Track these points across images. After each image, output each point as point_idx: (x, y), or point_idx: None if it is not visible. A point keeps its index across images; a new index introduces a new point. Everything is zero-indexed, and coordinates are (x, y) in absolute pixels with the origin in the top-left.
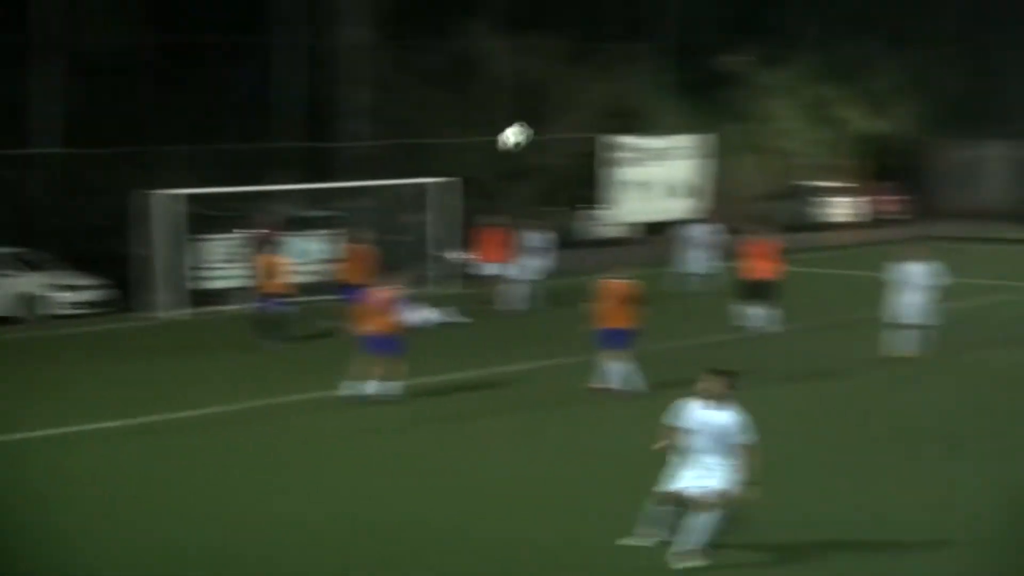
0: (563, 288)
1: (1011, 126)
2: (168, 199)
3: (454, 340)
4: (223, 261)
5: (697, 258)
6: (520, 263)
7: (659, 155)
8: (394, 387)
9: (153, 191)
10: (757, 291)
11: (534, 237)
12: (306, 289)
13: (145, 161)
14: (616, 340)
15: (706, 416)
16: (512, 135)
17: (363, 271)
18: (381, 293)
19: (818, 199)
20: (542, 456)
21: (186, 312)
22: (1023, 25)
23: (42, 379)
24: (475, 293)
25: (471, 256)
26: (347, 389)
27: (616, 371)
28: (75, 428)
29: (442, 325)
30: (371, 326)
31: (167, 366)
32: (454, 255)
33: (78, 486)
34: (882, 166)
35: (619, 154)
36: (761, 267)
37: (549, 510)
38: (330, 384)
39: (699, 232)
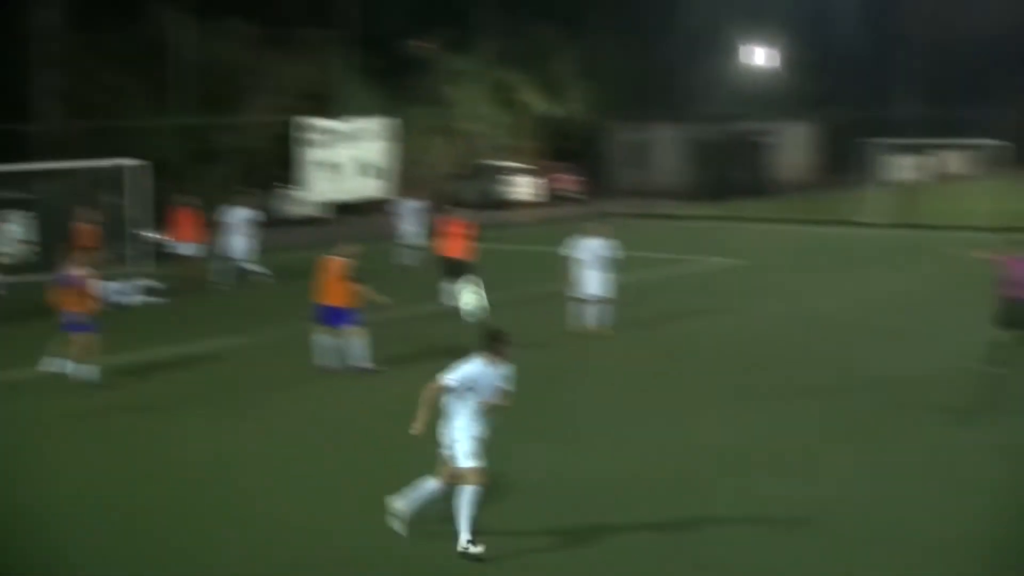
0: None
1: (678, 110)
2: None
3: (156, 319)
4: None
5: (408, 233)
6: (222, 242)
7: (348, 137)
8: (90, 368)
9: None
10: (452, 269)
11: (238, 214)
12: (6, 270)
13: None
14: (334, 317)
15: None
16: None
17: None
18: (76, 272)
19: (502, 179)
20: (250, 435)
21: None
22: (691, 17)
23: None
24: (171, 273)
25: (165, 236)
26: (47, 365)
27: (334, 348)
28: None
29: (142, 303)
30: (68, 305)
31: None
32: (149, 235)
33: None
34: (560, 148)
35: (311, 136)
36: (454, 246)
37: (256, 488)
38: (30, 365)
39: (409, 208)
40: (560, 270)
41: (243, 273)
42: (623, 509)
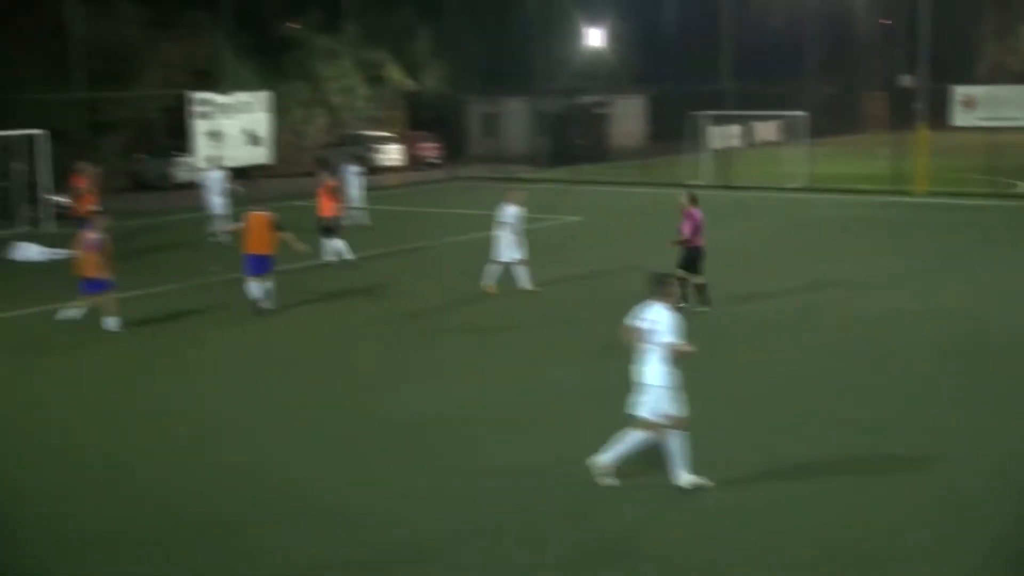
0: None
1: (525, 85)
2: None
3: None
4: None
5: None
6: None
7: (232, 109)
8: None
9: None
10: (326, 227)
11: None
12: None
13: None
14: (260, 265)
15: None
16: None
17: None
18: (95, 236)
19: (369, 147)
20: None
21: None
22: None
23: None
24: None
25: (67, 200)
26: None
27: (259, 289)
28: None
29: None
30: (89, 269)
31: None
32: (52, 199)
33: None
34: (420, 119)
35: (198, 108)
36: (326, 206)
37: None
38: None
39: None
40: (425, 227)
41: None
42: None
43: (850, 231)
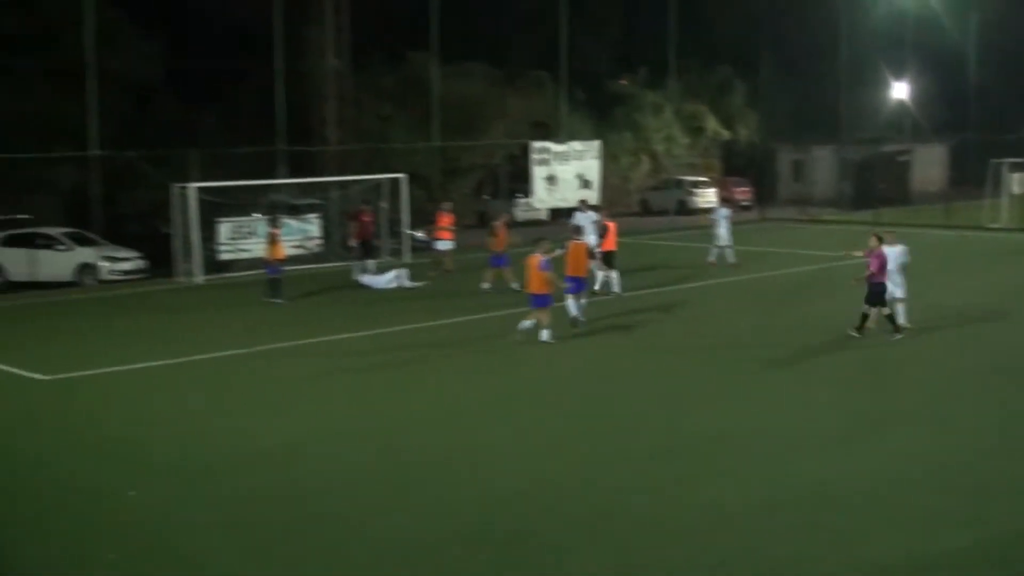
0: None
1: (832, 134)
2: (189, 191)
3: (423, 297)
4: (231, 239)
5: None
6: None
7: (565, 156)
8: (547, 333)
9: (177, 184)
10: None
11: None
12: (297, 260)
13: (172, 161)
14: (579, 286)
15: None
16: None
17: (501, 243)
18: (544, 258)
19: (687, 190)
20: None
21: (201, 278)
22: (842, 56)
23: (107, 328)
24: (425, 263)
25: (425, 234)
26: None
27: (576, 307)
28: (134, 366)
29: (405, 287)
30: (537, 287)
31: (189, 319)
32: (409, 233)
33: (136, 405)
34: (733, 165)
35: (536, 156)
36: (609, 241)
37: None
38: (316, 333)
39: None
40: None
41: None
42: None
43: None
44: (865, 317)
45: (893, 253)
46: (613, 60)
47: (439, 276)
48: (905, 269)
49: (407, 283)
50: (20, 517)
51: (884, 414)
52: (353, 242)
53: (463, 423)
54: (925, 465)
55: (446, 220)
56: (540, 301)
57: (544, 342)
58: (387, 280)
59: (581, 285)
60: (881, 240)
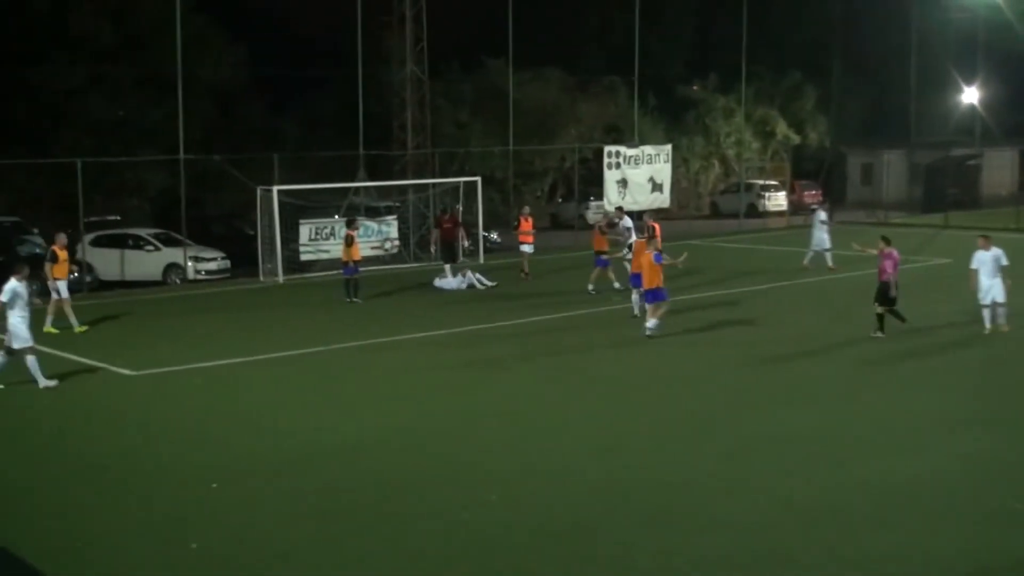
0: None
1: (902, 138)
2: (272, 193)
3: (508, 297)
4: (311, 239)
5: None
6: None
7: (636, 160)
8: (657, 324)
9: (261, 187)
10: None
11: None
12: (375, 260)
13: (256, 165)
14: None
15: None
16: None
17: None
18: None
19: (758, 193)
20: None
21: (282, 278)
22: (910, 62)
23: (192, 326)
24: (499, 264)
25: (497, 237)
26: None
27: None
28: (218, 362)
29: (480, 287)
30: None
31: (270, 317)
32: (486, 235)
33: (219, 400)
34: (803, 168)
35: (608, 159)
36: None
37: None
38: (392, 332)
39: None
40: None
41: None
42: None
43: None
44: (881, 317)
45: (988, 257)
46: (685, 65)
47: (525, 279)
48: (1003, 271)
49: (479, 283)
50: (108, 507)
51: (959, 416)
52: (434, 247)
53: (534, 421)
54: (998, 466)
55: (528, 224)
56: (655, 296)
57: (649, 334)
58: (458, 282)
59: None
60: (888, 242)
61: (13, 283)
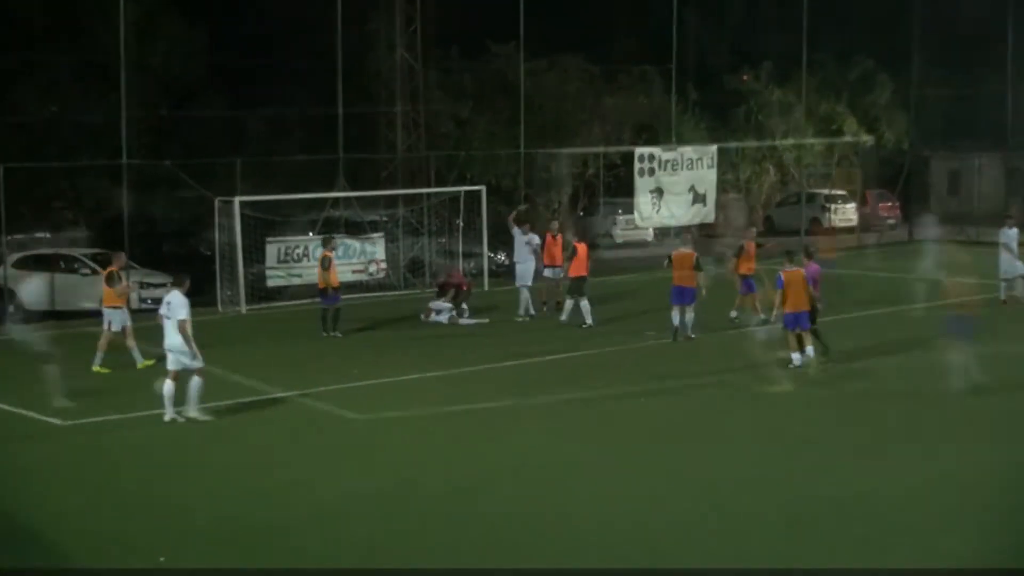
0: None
1: (998, 140)
2: (231, 205)
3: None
4: (279, 262)
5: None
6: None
7: (673, 165)
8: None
9: (219, 197)
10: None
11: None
12: (356, 287)
13: (215, 172)
14: (683, 296)
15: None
16: None
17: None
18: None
19: (822, 205)
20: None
21: (244, 308)
22: (1009, 46)
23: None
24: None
25: (504, 258)
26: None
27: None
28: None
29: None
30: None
31: (231, 355)
32: (491, 256)
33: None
34: (877, 175)
35: (640, 164)
36: (746, 266)
37: None
38: (379, 374)
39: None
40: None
41: None
42: None
43: None
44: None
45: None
46: (733, 52)
47: (550, 310)
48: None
49: (461, 321)
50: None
51: None
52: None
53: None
54: None
55: (557, 243)
56: (801, 321)
57: (796, 366)
58: (443, 317)
59: (685, 295)
60: (811, 255)
61: (181, 296)
